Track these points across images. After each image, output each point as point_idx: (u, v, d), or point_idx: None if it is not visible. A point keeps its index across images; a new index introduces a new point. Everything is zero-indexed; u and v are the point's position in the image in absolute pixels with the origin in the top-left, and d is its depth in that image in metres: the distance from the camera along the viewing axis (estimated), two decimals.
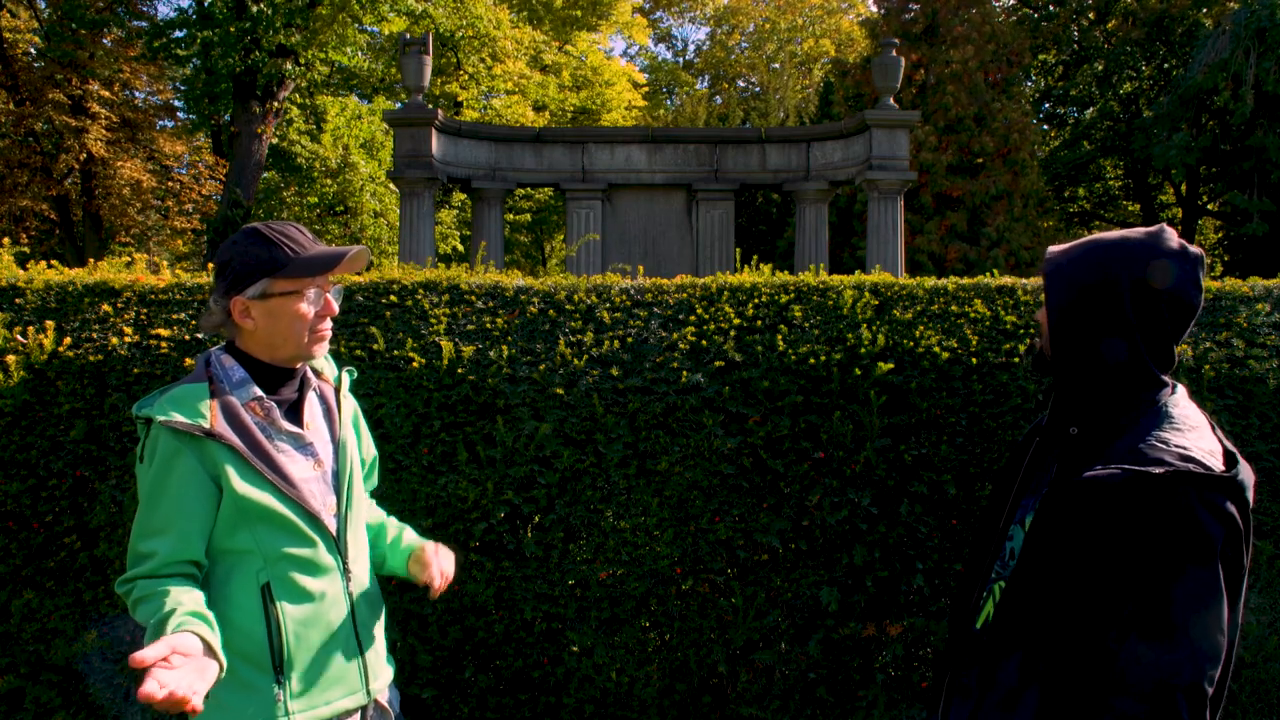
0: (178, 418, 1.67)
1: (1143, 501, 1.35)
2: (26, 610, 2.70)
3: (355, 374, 2.03)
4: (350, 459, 1.89)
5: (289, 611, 1.73)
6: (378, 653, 1.91)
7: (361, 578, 1.89)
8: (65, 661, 2.71)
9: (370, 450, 2.06)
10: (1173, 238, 1.51)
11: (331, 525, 1.81)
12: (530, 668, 2.82)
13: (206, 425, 1.69)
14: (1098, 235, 1.56)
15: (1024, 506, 1.64)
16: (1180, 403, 1.51)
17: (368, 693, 1.86)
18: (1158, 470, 1.35)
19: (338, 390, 1.94)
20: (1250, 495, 1.39)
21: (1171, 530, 1.33)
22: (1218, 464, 1.39)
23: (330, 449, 1.87)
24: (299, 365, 1.86)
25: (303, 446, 1.82)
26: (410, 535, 2.06)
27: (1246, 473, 1.40)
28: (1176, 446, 1.39)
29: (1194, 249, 1.51)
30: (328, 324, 1.83)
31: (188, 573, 1.69)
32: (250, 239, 1.78)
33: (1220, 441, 1.47)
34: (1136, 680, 1.32)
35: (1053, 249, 1.59)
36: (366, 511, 2.03)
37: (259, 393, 1.78)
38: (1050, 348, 1.55)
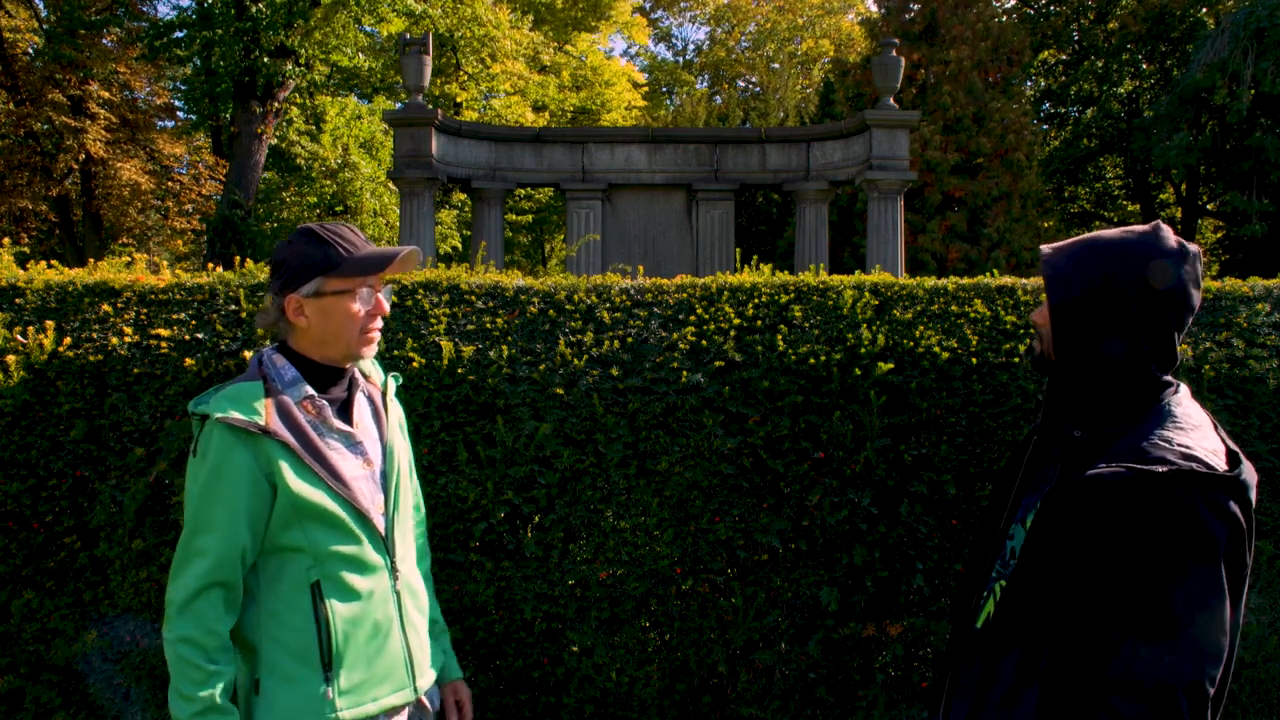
0: (234, 414, 1.70)
1: (1146, 500, 1.34)
2: (26, 610, 2.70)
3: (400, 380, 2.08)
4: (398, 460, 1.93)
5: (338, 610, 1.76)
6: (423, 650, 1.94)
7: (408, 576, 1.92)
8: (65, 661, 2.71)
9: (411, 459, 2.10)
10: (1170, 236, 1.51)
11: (380, 524, 1.84)
12: (530, 668, 2.82)
13: (262, 422, 1.72)
14: (1094, 235, 1.55)
15: (1025, 506, 1.64)
16: (1183, 402, 1.51)
17: (414, 690, 1.88)
18: (1161, 469, 1.34)
19: (384, 394, 1.99)
20: (1253, 495, 1.39)
21: (1175, 529, 1.33)
22: (1221, 463, 1.39)
23: (379, 449, 1.90)
24: (348, 365, 1.89)
25: (353, 445, 1.85)
26: (446, 642, 2.10)
27: (1250, 473, 1.40)
28: (1179, 445, 1.39)
29: (1192, 246, 1.51)
30: (378, 324, 1.87)
31: (235, 590, 1.73)
32: (305, 238, 1.81)
33: (1223, 441, 1.47)
34: (1138, 679, 1.32)
35: (1047, 248, 1.58)
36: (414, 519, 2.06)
37: (311, 391, 1.81)
38: (1053, 349, 1.55)
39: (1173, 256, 1.48)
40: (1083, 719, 1.36)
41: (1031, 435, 1.71)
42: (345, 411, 1.87)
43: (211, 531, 1.69)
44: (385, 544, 1.85)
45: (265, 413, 1.73)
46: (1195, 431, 1.44)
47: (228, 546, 1.69)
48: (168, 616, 1.70)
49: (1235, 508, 1.36)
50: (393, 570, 1.86)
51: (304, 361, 1.84)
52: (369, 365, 1.99)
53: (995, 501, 1.73)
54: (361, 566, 1.80)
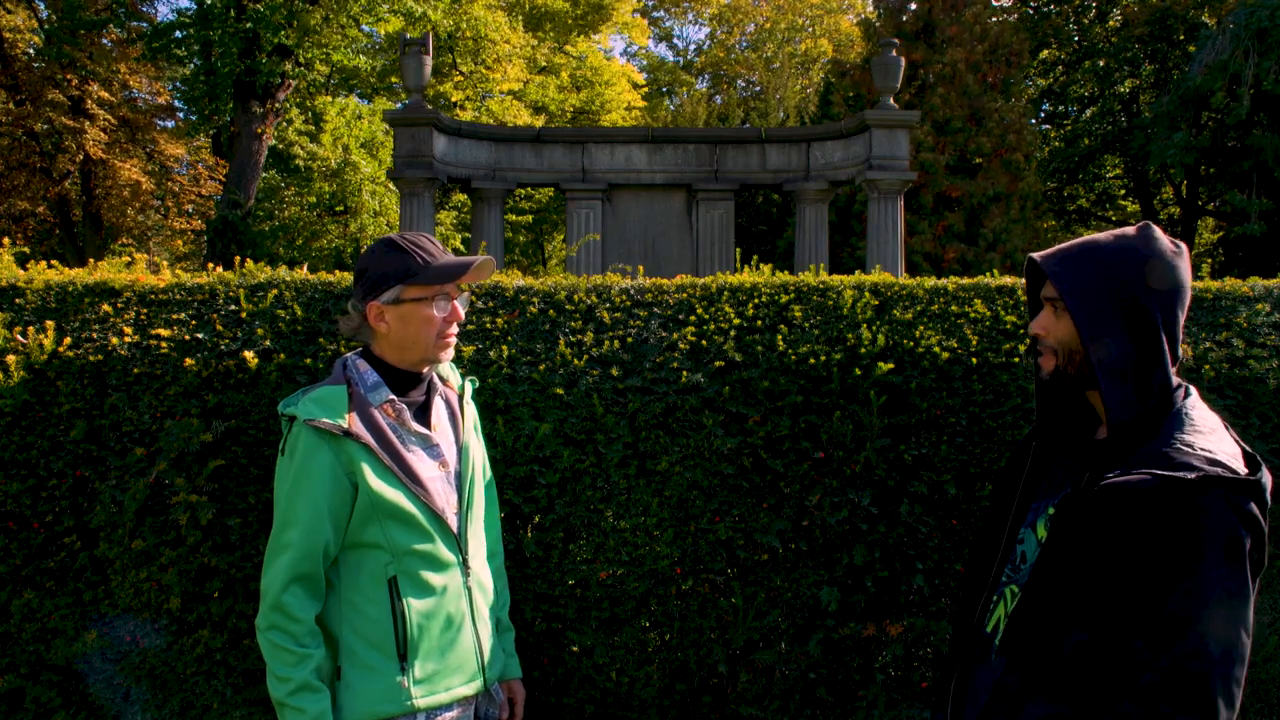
0: (321, 417, 1.81)
1: (1172, 506, 1.34)
2: (26, 610, 2.70)
3: (477, 384, 2.17)
4: (473, 461, 2.02)
5: (413, 605, 1.86)
6: (493, 643, 2.03)
7: (479, 572, 2.01)
8: (65, 661, 2.71)
9: (485, 458, 2.17)
10: (1164, 236, 1.53)
11: (454, 523, 1.94)
12: (530, 668, 2.82)
13: (345, 425, 1.82)
14: (1091, 242, 1.54)
15: (1034, 510, 1.63)
16: (1196, 405, 1.51)
17: (485, 681, 1.98)
18: (1190, 475, 1.34)
19: (461, 397, 2.08)
20: (1269, 497, 1.39)
21: (1203, 534, 1.33)
22: (1241, 466, 1.40)
23: (454, 450, 2.00)
24: (426, 370, 1.98)
25: (430, 447, 1.95)
26: (508, 641, 2.19)
27: (1267, 475, 1.41)
28: (1202, 450, 1.39)
29: (1180, 242, 1.53)
30: (454, 329, 1.96)
31: (318, 580, 1.84)
32: (386, 248, 1.92)
33: (1237, 442, 1.48)
34: (1167, 683, 1.32)
35: (1043, 257, 1.56)
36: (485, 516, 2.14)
37: (391, 395, 1.91)
38: (1076, 361, 1.54)
39: (1175, 256, 1.50)
40: None
41: (1031, 438, 1.71)
42: (423, 414, 1.97)
43: (296, 526, 1.80)
44: (458, 542, 1.94)
45: (348, 416, 1.83)
46: (1212, 435, 1.44)
47: (311, 541, 1.80)
48: (261, 607, 1.82)
49: (1256, 510, 1.36)
50: (465, 567, 1.95)
51: (384, 366, 1.93)
52: (447, 369, 2.08)
53: (999, 503, 1.72)
54: (436, 563, 1.89)
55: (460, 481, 1.98)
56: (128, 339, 2.78)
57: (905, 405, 2.87)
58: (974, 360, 2.91)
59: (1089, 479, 1.47)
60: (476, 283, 2.25)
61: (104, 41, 18.03)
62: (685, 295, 3.11)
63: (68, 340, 2.75)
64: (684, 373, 2.86)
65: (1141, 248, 1.49)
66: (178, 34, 15.56)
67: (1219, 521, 1.33)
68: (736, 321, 3.01)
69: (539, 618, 2.80)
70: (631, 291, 3.12)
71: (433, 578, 1.89)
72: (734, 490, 2.83)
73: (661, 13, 30.37)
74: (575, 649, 2.82)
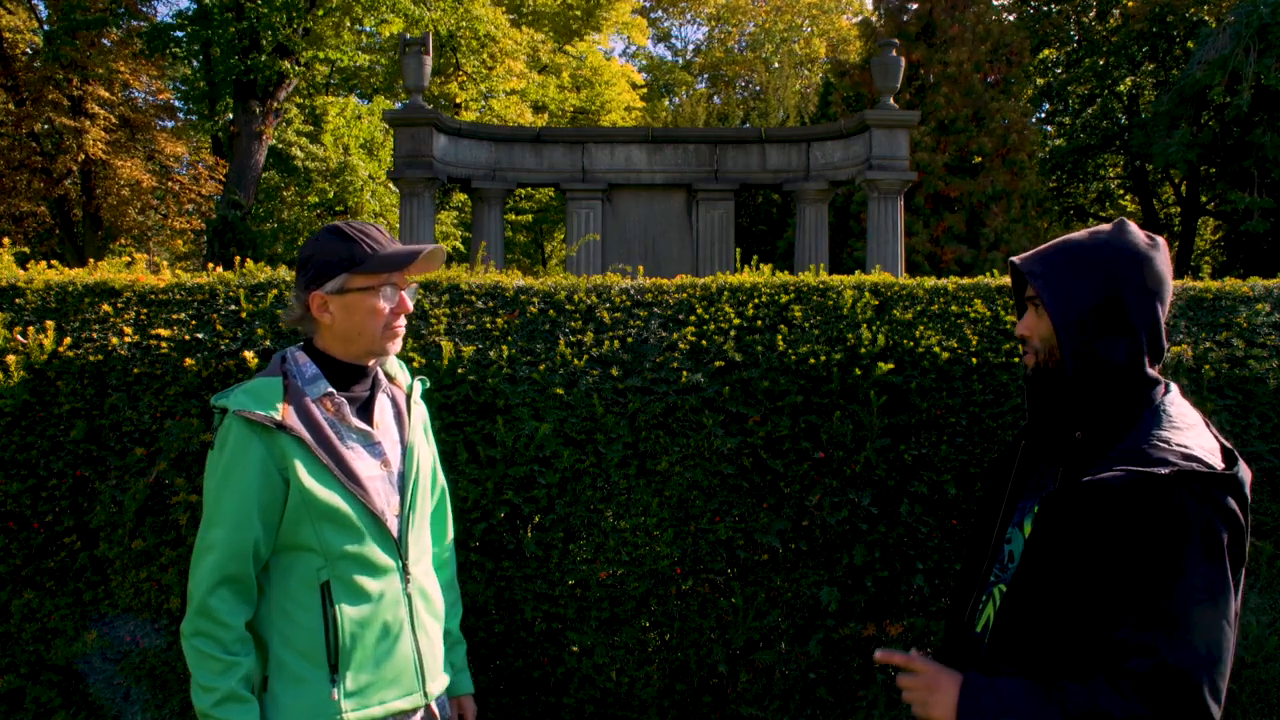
0: (251, 408, 1.72)
1: (1149, 502, 1.35)
2: (26, 610, 2.70)
3: (428, 383, 2.07)
4: (418, 462, 1.92)
5: (347, 612, 1.75)
6: (435, 655, 1.91)
7: (422, 579, 1.90)
8: (65, 661, 2.71)
9: (435, 462, 2.08)
10: (1141, 231, 1.54)
11: (393, 526, 1.83)
12: (530, 668, 2.82)
13: (278, 417, 1.72)
14: (1068, 241, 1.55)
15: (1021, 510, 1.64)
16: (1175, 401, 1.52)
17: (424, 695, 1.86)
18: (1164, 471, 1.36)
19: (409, 395, 1.98)
20: (1248, 492, 1.41)
21: (1179, 529, 1.34)
22: (1218, 462, 1.41)
23: (398, 450, 1.90)
24: (371, 363, 1.89)
25: (371, 445, 1.85)
26: (459, 656, 2.09)
27: (1245, 470, 1.42)
28: (1178, 445, 1.40)
29: (1156, 236, 1.54)
30: (402, 321, 1.87)
31: (248, 583, 1.74)
32: (331, 235, 1.82)
33: (1216, 438, 1.49)
34: (1147, 678, 1.33)
35: (1022, 260, 1.58)
36: (432, 521, 2.05)
37: (330, 389, 1.82)
38: (1056, 357, 1.55)
39: (1156, 251, 1.51)
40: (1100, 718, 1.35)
41: (1020, 438, 1.72)
42: (366, 411, 1.87)
43: (223, 524, 1.70)
44: (398, 546, 1.84)
45: (282, 408, 1.74)
46: (1190, 431, 1.46)
47: (239, 539, 1.70)
48: (187, 612, 1.71)
49: (1234, 504, 1.37)
50: (405, 573, 1.84)
51: (326, 359, 1.84)
52: (394, 367, 1.99)
53: (988, 503, 1.73)
54: (372, 568, 1.79)
55: (403, 482, 1.87)
56: (128, 339, 2.78)
57: (905, 405, 2.87)
58: (974, 360, 2.91)
59: (1067, 475, 1.49)
60: (426, 274, 2.16)
61: (104, 41, 18.02)
62: (685, 295, 3.11)
63: (68, 340, 2.74)
64: (684, 373, 2.85)
65: (1116, 244, 1.50)
66: (178, 34, 15.56)
67: (1195, 517, 1.34)
68: (736, 321, 3.01)
69: (539, 618, 2.80)
70: (631, 291, 3.12)
71: (368, 583, 1.78)
72: (734, 490, 2.83)
73: (660, 13, 30.36)
74: (575, 649, 2.82)
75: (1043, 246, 1.59)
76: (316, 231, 1.88)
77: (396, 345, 1.88)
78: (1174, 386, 1.55)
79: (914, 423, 2.86)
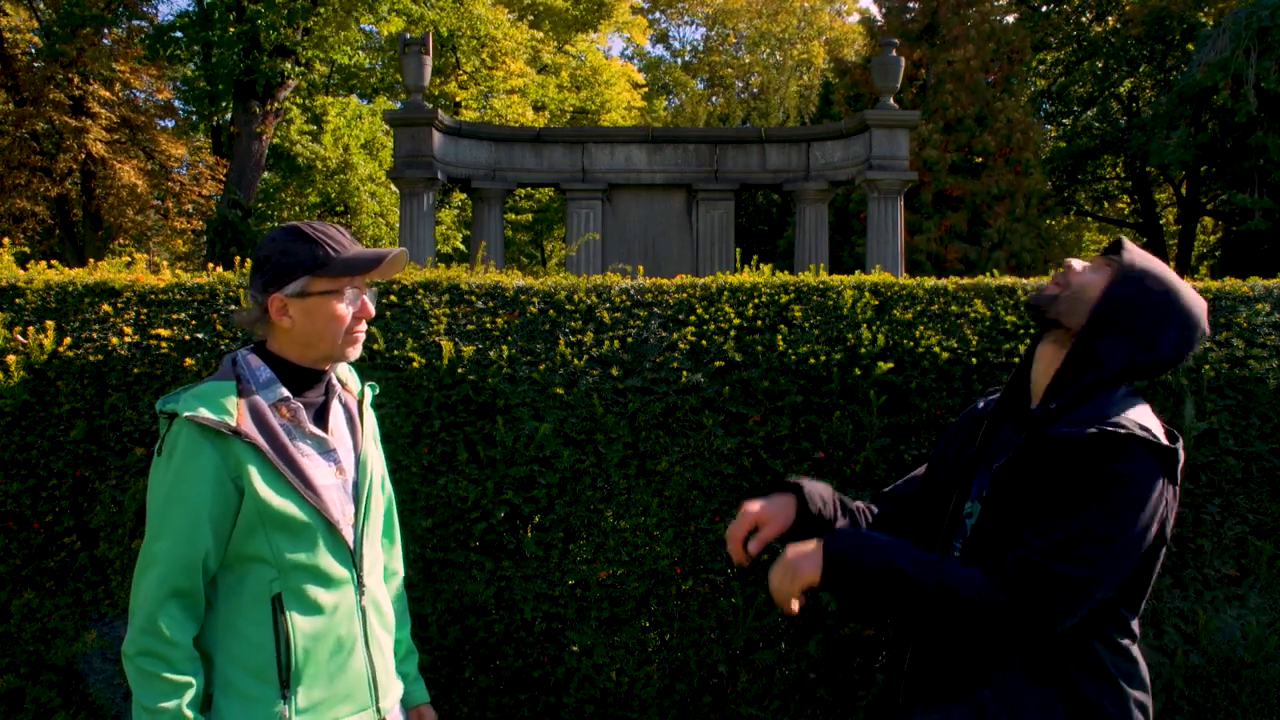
0: (204, 413, 1.63)
1: (1102, 451, 1.55)
2: (26, 610, 2.70)
3: (377, 389, 2.01)
4: (371, 471, 1.86)
5: (299, 624, 1.68)
6: (388, 669, 1.86)
7: (375, 591, 1.85)
8: (65, 661, 2.71)
9: (384, 470, 2.03)
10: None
11: (349, 536, 1.77)
12: (530, 668, 2.82)
13: (233, 423, 1.64)
14: (1150, 270, 1.68)
15: (977, 483, 1.75)
16: (1130, 394, 1.71)
17: (377, 710, 1.81)
18: (1122, 430, 1.57)
19: (360, 402, 1.92)
20: (1179, 472, 1.61)
21: (1120, 475, 1.54)
22: (1164, 439, 1.61)
23: (352, 458, 1.84)
24: (328, 368, 1.83)
25: (326, 452, 1.79)
26: (412, 665, 2.03)
27: (1182, 452, 1.63)
28: (1132, 418, 1.61)
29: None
30: (363, 326, 1.81)
31: (196, 597, 1.65)
32: (291, 236, 1.74)
33: (1162, 425, 1.68)
34: (1011, 571, 1.52)
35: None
36: (383, 535, 2.00)
37: (286, 394, 1.74)
38: (1075, 330, 1.68)
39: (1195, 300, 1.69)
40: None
41: (981, 419, 1.84)
42: (320, 417, 1.81)
43: (171, 535, 1.62)
44: (353, 557, 1.78)
45: (237, 413, 1.66)
46: (1140, 410, 1.66)
47: (188, 551, 1.62)
48: (130, 630, 1.62)
49: (1169, 474, 1.58)
50: (359, 585, 1.79)
51: (281, 363, 1.77)
52: (346, 372, 1.93)
53: (945, 484, 1.81)
54: (326, 580, 1.72)
55: (358, 492, 1.81)
56: (128, 339, 2.78)
57: (905, 405, 2.87)
58: (974, 360, 2.91)
59: (1032, 436, 1.65)
60: (388, 277, 2.11)
61: (104, 41, 18.02)
62: (685, 295, 3.11)
63: (68, 340, 2.74)
64: (684, 373, 2.85)
65: (1190, 295, 1.68)
66: (178, 34, 15.56)
67: (1143, 467, 1.55)
68: (736, 321, 3.01)
69: (539, 617, 2.80)
70: (631, 291, 3.12)
71: (322, 595, 1.71)
72: (734, 490, 2.83)
73: (658, 14, 30.34)
74: (575, 649, 2.82)
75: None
76: (274, 230, 1.81)
77: (356, 351, 1.82)
78: (1128, 386, 1.74)
79: (914, 423, 2.86)
